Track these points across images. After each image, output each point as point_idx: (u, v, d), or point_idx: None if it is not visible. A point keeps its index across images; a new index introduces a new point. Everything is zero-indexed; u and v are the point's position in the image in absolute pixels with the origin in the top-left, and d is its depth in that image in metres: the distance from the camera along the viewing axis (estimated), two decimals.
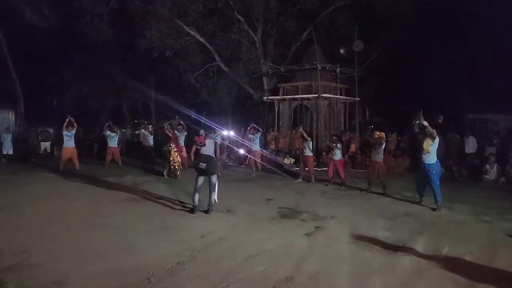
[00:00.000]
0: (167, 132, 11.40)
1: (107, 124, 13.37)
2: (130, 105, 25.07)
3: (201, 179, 6.93)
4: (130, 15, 16.86)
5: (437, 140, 7.45)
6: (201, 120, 11.49)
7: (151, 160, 13.16)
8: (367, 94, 19.39)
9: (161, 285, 3.94)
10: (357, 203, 7.91)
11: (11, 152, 14.20)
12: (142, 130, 13.83)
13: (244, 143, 14.90)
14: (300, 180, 10.62)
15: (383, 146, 9.06)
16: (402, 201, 8.20)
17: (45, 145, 15.19)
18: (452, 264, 4.56)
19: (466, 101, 18.71)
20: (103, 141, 15.84)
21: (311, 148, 10.83)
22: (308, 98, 15.63)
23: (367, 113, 22.82)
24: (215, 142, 7.06)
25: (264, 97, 17.28)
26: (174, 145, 10.97)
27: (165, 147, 11.17)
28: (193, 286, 3.94)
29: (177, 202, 7.65)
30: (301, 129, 11.43)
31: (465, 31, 16.26)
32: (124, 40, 19.56)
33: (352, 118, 17.43)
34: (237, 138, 14.98)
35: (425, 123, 7.39)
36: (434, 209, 7.36)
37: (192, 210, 6.85)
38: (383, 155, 9.32)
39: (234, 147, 14.76)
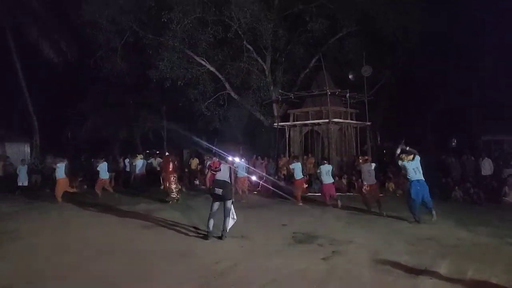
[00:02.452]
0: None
1: (100, 157, 13.49)
2: (142, 135, 25.39)
3: (216, 205, 6.88)
4: (143, 48, 17.39)
5: (417, 157, 8.14)
6: (212, 148, 11.65)
7: (139, 187, 13.20)
8: (378, 119, 19.39)
9: None
10: (375, 227, 7.72)
11: (26, 184, 14.35)
12: (155, 159, 14.00)
13: (255, 170, 14.91)
14: (300, 204, 10.65)
15: (372, 168, 9.41)
16: (422, 224, 7.96)
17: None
18: None
19: (479, 123, 18.56)
20: (116, 171, 16.20)
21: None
22: (318, 124, 15.67)
23: (379, 138, 22.72)
24: (230, 167, 7.06)
25: (275, 124, 17.39)
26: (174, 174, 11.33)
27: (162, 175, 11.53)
28: None
29: (191, 228, 7.57)
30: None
31: (476, 52, 16.33)
32: (136, 72, 20.09)
33: (363, 143, 17.34)
34: (248, 165, 14.96)
35: (408, 148, 8.26)
36: (416, 222, 7.97)
37: (206, 236, 6.76)
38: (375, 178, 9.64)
39: (247, 174, 14.69)
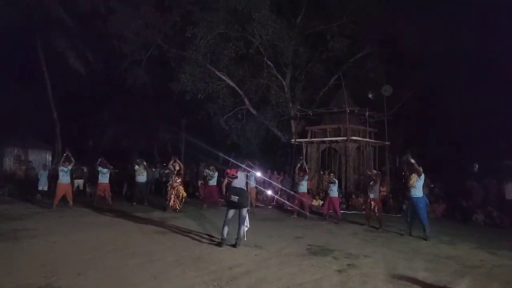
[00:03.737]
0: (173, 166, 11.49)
1: (99, 160, 12.98)
2: (160, 146, 25.74)
3: (231, 212, 6.87)
4: (166, 61, 17.85)
5: (422, 176, 8.25)
6: (229, 161, 11.73)
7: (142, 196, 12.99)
8: (397, 140, 19.13)
9: None
10: (393, 245, 7.51)
11: (46, 189, 14.63)
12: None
13: (271, 184, 14.88)
14: (295, 216, 11.00)
15: (378, 184, 9.76)
16: (441, 244, 7.72)
17: (79, 182, 15.64)
18: None
19: (503, 147, 18.03)
20: (132, 180, 16.38)
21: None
22: (336, 141, 15.58)
23: (397, 160, 22.35)
24: (247, 175, 7.07)
25: (292, 140, 17.38)
26: (179, 180, 11.33)
27: (170, 181, 11.40)
28: None
29: (205, 236, 7.55)
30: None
31: (501, 73, 16.00)
32: (158, 85, 20.57)
33: (381, 163, 17.07)
34: (265, 179, 14.95)
35: (412, 160, 8.27)
36: (425, 239, 7.99)
37: (220, 244, 6.73)
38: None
39: (262, 188, 14.67)
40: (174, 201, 11.10)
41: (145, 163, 13.49)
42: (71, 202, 11.34)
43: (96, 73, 20.39)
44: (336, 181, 10.94)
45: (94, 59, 19.69)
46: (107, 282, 4.64)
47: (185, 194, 11.51)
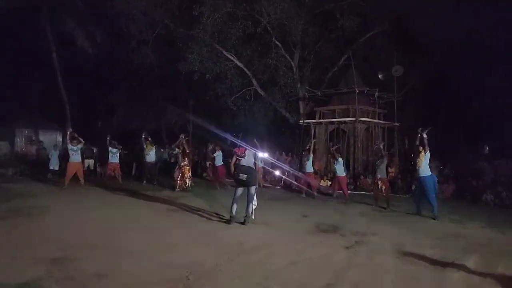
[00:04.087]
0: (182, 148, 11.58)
1: (108, 139, 13.12)
2: (168, 128, 25.83)
3: (240, 190, 6.93)
4: (173, 41, 17.71)
5: (428, 154, 8.27)
6: (237, 142, 11.75)
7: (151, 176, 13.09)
8: (407, 122, 18.93)
9: (199, 283, 3.90)
10: (401, 224, 7.54)
11: (57, 168, 14.86)
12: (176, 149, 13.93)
13: (279, 165, 14.92)
14: (303, 195, 11.16)
15: (385, 163, 9.76)
16: (450, 223, 7.74)
17: (89, 162, 15.87)
18: (509, 282, 4.20)
19: None
20: (141, 160, 16.60)
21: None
22: (345, 122, 15.47)
23: (406, 142, 22.16)
24: (255, 154, 7.09)
25: (300, 121, 17.30)
26: (187, 160, 11.50)
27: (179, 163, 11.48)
28: (232, 285, 3.87)
29: (214, 214, 7.65)
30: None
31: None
32: (166, 65, 20.49)
33: (391, 145, 16.94)
34: (272, 160, 14.98)
35: (425, 135, 8.32)
36: (433, 219, 7.98)
37: (229, 221, 6.82)
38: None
39: (269, 169, 14.73)
40: (181, 180, 11.27)
41: (149, 139, 13.53)
42: (82, 181, 11.53)
43: (104, 54, 20.36)
44: (340, 160, 10.97)
45: (102, 40, 19.61)
46: (119, 254, 4.76)
47: (189, 175, 11.54)
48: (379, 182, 9.61)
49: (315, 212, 8.57)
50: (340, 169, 10.86)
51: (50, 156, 14.89)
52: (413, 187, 11.05)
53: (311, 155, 11.80)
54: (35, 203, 8.24)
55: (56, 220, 6.72)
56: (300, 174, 12.30)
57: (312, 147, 12.16)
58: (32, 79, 23.74)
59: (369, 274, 4.38)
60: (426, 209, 8.41)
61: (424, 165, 8.26)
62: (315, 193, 11.14)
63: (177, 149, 14.26)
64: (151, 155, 13.25)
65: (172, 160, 16.59)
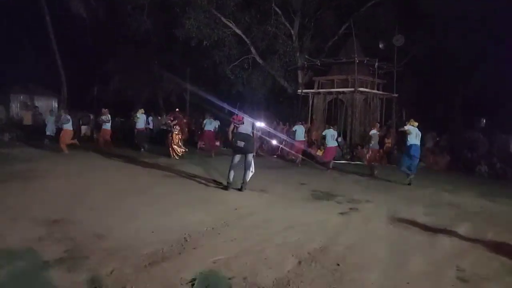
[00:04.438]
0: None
1: (104, 110, 13.22)
2: (165, 96, 25.61)
3: (237, 157, 6.95)
4: (170, 6, 17.22)
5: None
6: (234, 112, 11.67)
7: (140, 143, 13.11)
8: (405, 94, 18.81)
9: (197, 244, 3.98)
10: (395, 192, 7.69)
11: (53, 134, 14.82)
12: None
13: (276, 134, 14.92)
14: (299, 161, 11.57)
15: (377, 136, 10.32)
16: (443, 192, 7.88)
17: (85, 128, 15.84)
18: (498, 248, 4.32)
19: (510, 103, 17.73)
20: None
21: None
22: (343, 92, 15.39)
23: (404, 114, 22.13)
24: (253, 122, 7.06)
25: (299, 91, 17.18)
26: (178, 128, 11.59)
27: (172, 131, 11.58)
28: (229, 247, 3.95)
29: (211, 181, 7.73)
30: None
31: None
32: (162, 32, 20.04)
33: (388, 117, 16.94)
34: (270, 129, 14.96)
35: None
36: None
37: (226, 187, 6.89)
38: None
39: (266, 138, 14.75)
40: (172, 147, 11.35)
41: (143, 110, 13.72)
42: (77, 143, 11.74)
43: (99, 19, 19.81)
44: (326, 134, 10.97)
45: (97, 4, 19.01)
46: (118, 217, 4.83)
47: (180, 143, 11.59)
48: (368, 151, 10.28)
49: (311, 180, 8.67)
50: (329, 141, 10.94)
51: (46, 122, 14.81)
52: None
53: (301, 125, 12.07)
54: (33, 167, 8.27)
55: (54, 184, 6.77)
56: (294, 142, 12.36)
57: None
58: (27, 45, 23.22)
59: (363, 239, 4.49)
60: (420, 178, 8.55)
61: (418, 133, 8.59)
62: (299, 157, 11.61)
63: (167, 124, 14.22)
64: (139, 122, 13.21)
65: (168, 129, 16.58)
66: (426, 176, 10.02)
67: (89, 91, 24.67)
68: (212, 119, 13.78)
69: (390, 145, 13.64)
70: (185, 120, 13.28)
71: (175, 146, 11.40)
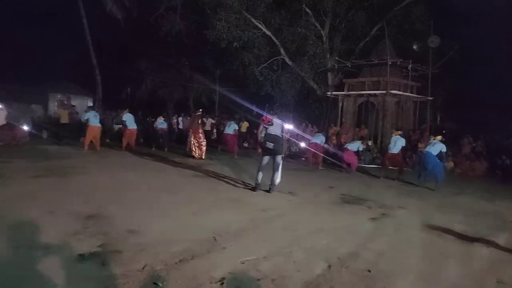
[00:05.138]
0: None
1: (127, 109, 13.26)
2: (195, 97, 26.04)
3: (266, 159, 6.95)
4: (201, 8, 17.46)
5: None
6: (262, 114, 11.67)
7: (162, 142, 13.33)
8: (440, 96, 18.20)
9: (226, 244, 3.99)
10: (429, 198, 7.44)
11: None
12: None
13: (304, 136, 14.80)
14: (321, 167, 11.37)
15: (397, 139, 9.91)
16: (480, 200, 7.55)
17: (118, 127, 16.28)
18: None
19: None
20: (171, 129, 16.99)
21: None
22: (375, 95, 15.06)
23: (439, 117, 21.41)
24: (282, 125, 7.03)
25: (328, 93, 16.97)
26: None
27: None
28: (258, 248, 3.94)
29: (240, 182, 7.76)
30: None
31: None
32: (193, 33, 20.37)
33: (422, 120, 16.38)
34: (298, 131, 14.87)
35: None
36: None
37: (254, 188, 6.90)
38: None
39: (295, 140, 14.67)
40: (194, 148, 11.21)
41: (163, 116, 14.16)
42: (98, 147, 11.51)
43: (133, 20, 20.40)
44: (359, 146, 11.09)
45: (131, 5, 19.58)
46: (149, 214, 4.93)
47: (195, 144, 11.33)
48: (389, 155, 9.97)
49: (340, 184, 8.54)
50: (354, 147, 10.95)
51: (82, 120, 15.35)
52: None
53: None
54: (70, 164, 8.60)
55: (89, 180, 7.01)
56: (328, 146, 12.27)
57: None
58: (64, 46, 24.24)
59: (395, 245, 4.36)
60: (449, 184, 8.23)
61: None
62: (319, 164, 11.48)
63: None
64: (161, 122, 13.42)
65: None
66: (462, 183, 9.72)
67: (122, 91, 25.47)
68: (232, 122, 13.76)
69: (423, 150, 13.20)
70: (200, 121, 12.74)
71: (192, 147, 11.23)
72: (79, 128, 14.72)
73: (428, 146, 8.79)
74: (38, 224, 4.17)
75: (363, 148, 11.61)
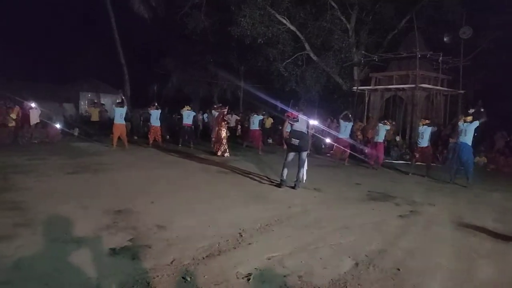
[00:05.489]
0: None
1: (152, 104, 13.16)
2: (220, 94, 26.23)
3: (291, 155, 6.93)
4: (226, 5, 17.53)
5: (475, 122, 8.17)
6: (287, 110, 11.58)
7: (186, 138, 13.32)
8: (472, 89, 17.48)
9: (252, 240, 4.02)
10: (460, 195, 7.20)
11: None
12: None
13: (330, 132, 14.62)
14: (346, 163, 11.00)
15: (426, 131, 9.46)
16: None
17: (146, 124, 16.64)
18: None
19: None
20: (196, 125, 17.25)
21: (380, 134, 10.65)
22: (403, 89, 14.67)
23: (471, 111, 20.57)
24: (307, 121, 6.97)
25: (354, 88, 16.67)
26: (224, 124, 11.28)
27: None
28: (283, 245, 3.94)
29: (265, 178, 7.77)
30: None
31: None
32: (218, 30, 20.50)
33: (453, 114, 15.81)
34: (324, 127, 14.70)
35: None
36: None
37: (279, 185, 6.89)
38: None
39: (320, 136, 14.51)
40: (216, 145, 11.12)
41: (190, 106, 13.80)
42: (126, 145, 11.73)
43: (159, 19, 20.77)
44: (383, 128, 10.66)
45: (157, 4, 19.93)
46: (176, 210, 5.03)
47: (222, 135, 11.11)
48: (419, 149, 9.54)
49: (367, 180, 8.39)
50: (381, 136, 10.60)
51: (111, 117, 15.78)
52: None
53: (349, 122, 11.45)
54: (100, 161, 8.90)
55: (118, 176, 7.23)
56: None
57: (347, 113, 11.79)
58: (94, 45, 25.01)
59: (424, 243, 4.25)
60: (489, 183, 7.93)
61: (468, 130, 8.18)
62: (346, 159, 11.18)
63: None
64: (187, 115, 13.35)
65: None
66: (495, 179, 9.35)
67: (149, 88, 26.01)
68: (255, 114, 13.41)
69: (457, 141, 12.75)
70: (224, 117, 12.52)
71: (218, 144, 11.06)
72: (108, 125, 15.23)
73: (461, 136, 8.28)
74: (72, 219, 4.34)
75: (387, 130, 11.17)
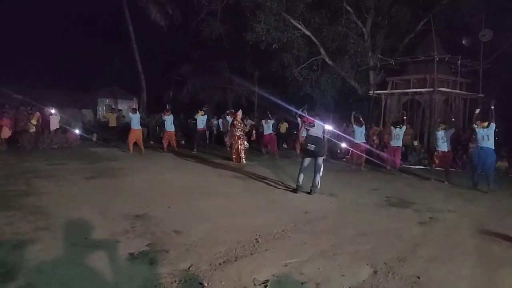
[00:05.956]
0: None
1: (166, 109, 13.17)
2: (235, 99, 26.33)
3: (307, 160, 6.89)
4: (241, 11, 17.64)
5: (492, 125, 8.03)
6: (303, 115, 11.52)
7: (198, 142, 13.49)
8: (492, 93, 17.06)
9: (268, 246, 4.01)
10: (481, 201, 7.00)
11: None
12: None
13: (346, 137, 14.48)
14: (363, 168, 10.85)
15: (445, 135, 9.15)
16: None
17: (162, 129, 16.85)
18: None
19: None
20: (211, 130, 17.40)
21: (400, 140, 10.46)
22: (421, 93, 14.43)
23: (491, 115, 20.10)
24: (323, 126, 6.93)
25: (370, 92, 16.49)
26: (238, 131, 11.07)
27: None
28: (300, 251, 3.91)
29: (280, 183, 7.75)
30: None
31: None
32: (232, 37, 20.64)
33: (471, 119, 15.45)
34: (339, 132, 14.59)
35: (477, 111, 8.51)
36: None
37: (295, 190, 6.86)
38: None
39: (335, 141, 14.39)
40: (233, 153, 10.92)
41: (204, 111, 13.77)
42: (143, 150, 11.88)
43: (175, 27, 21.10)
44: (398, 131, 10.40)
45: (173, 12, 20.26)
46: (192, 215, 5.06)
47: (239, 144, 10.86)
48: (440, 154, 9.18)
49: (385, 185, 8.26)
50: (398, 140, 10.39)
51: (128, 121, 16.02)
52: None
53: (361, 126, 11.24)
54: (118, 166, 9.03)
55: (136, 181, 7.32)
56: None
57: (357, 116, 11.63)
58: (112, 53, 25.55)
59: (445, 251, 4.14)
60: (503, 187, 7.70)
61: (487, 135, 8.02)
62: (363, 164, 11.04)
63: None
64: (201, 123, 13.46)
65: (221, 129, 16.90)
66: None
67: (165, 94, 26.33)
68: (268, 120, 13.27)
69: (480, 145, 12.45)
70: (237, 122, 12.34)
71: (234, 151, 10.85)
72: (125, 131, 15.46)
73: (484, 142, 8.05)
74: (91, 223, 4.41)
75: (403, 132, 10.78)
